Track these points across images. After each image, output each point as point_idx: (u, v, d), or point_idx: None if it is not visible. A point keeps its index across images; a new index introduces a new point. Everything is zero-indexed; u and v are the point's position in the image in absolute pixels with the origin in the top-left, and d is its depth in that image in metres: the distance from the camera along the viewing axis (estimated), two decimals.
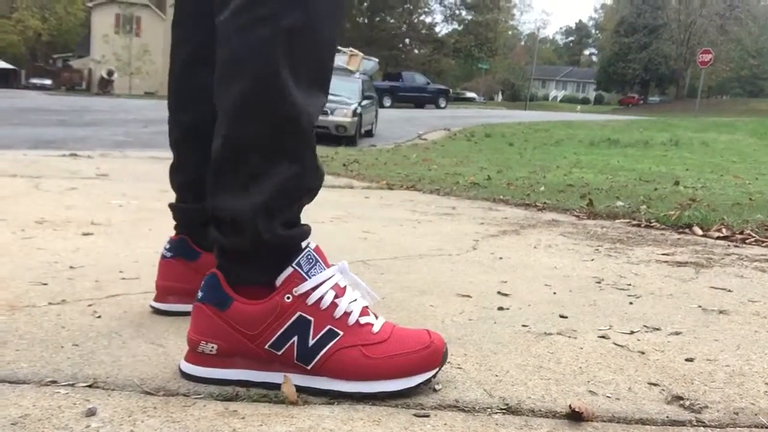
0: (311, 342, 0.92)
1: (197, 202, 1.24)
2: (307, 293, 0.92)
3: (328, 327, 0.93)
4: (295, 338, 0.92)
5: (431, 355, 0.94)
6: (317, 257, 0.95)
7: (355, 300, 0.96)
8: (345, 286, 0.96)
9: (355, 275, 1.00)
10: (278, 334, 0.92)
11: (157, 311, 1.27)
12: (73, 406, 0.84)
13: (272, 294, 0.92)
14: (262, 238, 0.91)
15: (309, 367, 0.92)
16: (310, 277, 0.93)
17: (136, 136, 9.60)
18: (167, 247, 1.28)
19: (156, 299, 1.28)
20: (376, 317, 0.98)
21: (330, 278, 0.95)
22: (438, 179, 4.94)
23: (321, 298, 0.93)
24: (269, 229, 0.91)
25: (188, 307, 1.05)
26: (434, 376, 0.95)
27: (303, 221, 0.99)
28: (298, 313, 0.92)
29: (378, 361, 0.92)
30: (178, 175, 1.28)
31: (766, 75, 55.88)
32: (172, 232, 1.31)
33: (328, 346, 0.92)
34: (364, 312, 0.96)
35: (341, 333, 0.93)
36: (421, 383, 0.93)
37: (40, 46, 48.66)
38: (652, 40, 48.99)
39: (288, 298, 0.92)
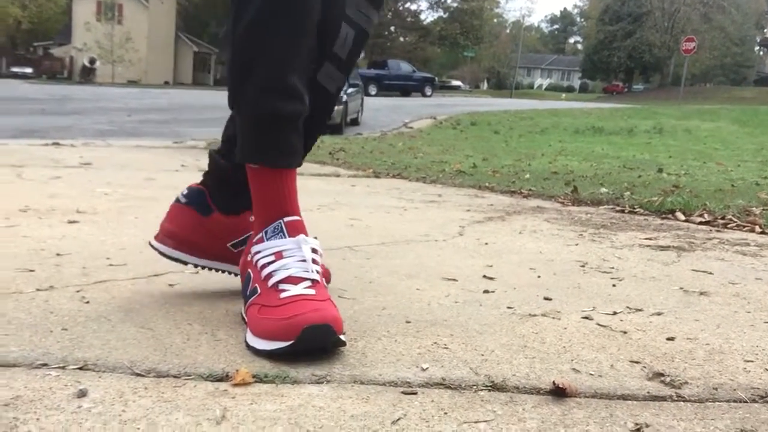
0: (248, 292, 1.11)
1: (231, 161, 1.27)
2: (255, 254, 1.11)
3: (255, 285, 1.10)
4: (248, 286, 1.12)
5: (286, 327, 0.98)
6: (284, 229, 1.10)
7: (288, 269, 1.06)
8: (284, 254, 1.08)
9: (306, 252, 1.08)
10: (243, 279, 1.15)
11: (153, 248, 1.31)
12: (65, 388, 0.85)
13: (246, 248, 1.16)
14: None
15: (244, 311, 1.12)
16: (266, 241, 1.10)
17: (119, 125, 9.52)
18: (184, 192, 1.30)
19: (156, 237, 1.31)
20: (312, 288, 1.04)
21: (277, 246, 1.08)
22: (424, 167, 4.95)
23: (260, 260, 1.10)
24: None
25: (181, 256, 1.28)
26: (293, 348, 0.96)
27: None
28: (248, 270, 1.13)
29: (261, 320, 1.03)
30: (230, 126, 1.30)
31: (749, 63, 56.33)
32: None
33: (250, 299, 1.09)
34: (292, 281, 1.05)
35: (259, 291, 1.08)
36: (279, 350, 0.97)
37: (20, 34, 47.96)
38: (636, 28, 49.19)
39: (249, 256, 1.13)
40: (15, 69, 40.60)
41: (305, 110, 1.13)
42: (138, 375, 0.90)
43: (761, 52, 59.31)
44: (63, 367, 0.91)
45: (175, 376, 0.91)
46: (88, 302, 1.22)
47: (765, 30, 54.66)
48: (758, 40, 57.36)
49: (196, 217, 1.28)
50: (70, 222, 2.03)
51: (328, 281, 1.37)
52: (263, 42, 1.08)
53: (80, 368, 0.91)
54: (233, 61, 1.11)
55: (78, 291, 1.29)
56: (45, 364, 0.92)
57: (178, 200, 1.31)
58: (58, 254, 1.60)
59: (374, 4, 1.25)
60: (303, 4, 1.09)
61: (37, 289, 1.29)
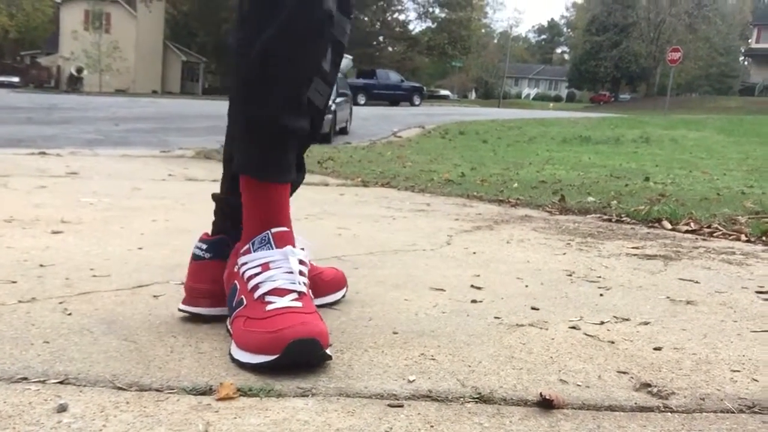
0: (233, 303, 1.10)
1: None
2: (241, 265, 1.10)
3: (242, 296, 1.08)
4: (233, 298, 1.10)
5: (272, 340, 0.97)
6: (272, 240, 1.08)
7: (275, 280, 1.05)
8: (271, 266, 1.07)
9: (293, 264, 1.07)
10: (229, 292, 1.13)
11: (186, 313, 1.21)
12: (45, 402, 0.83)
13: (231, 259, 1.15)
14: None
15: (229, 323, 1.11)
16: (252, 252, 1.09)
17: (106, 134, 9.46)
18: (203, 247, 1.23)
19: (184, 302, 1.22)
20: (299, 300, 1.03)
21: (264, 258, 1.07)
22: (413, 176, 4.95)
23: (247, 271, 1.08)
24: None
25: (223, 311, 1.18)
26: (279, 362, 0.95)
27: None
28: (234, 281, 1.11)
29: (246, 332, 1.02)
30: (232, 166, 1.23)
31: (734, 73, 56.90)
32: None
33: (236, 311, 1.08)
34: (278, 293, 1.04)
35: (245, 303, 1.07)
36: (264, 363, 0.96)
37: (7, 43, 47.71)
38: (623, 39, 49.64)
39: (236, 267, 1.12)
40: (1, 78, 40.23)
41: (309, 128, 1.15)
42: (120, 389, 0.89)
43: (746, 62, 59.96)
44: (43, 381, 0.90)
45: (157, 390, 0.89)
46: (70, 314, 1.21)
47: (749, 40, 55.24)
48: (743, 50, 58.02)
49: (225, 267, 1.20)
50: (55, 232, 2.01)
51: (344, 284, 1.39)
52: (292, 57, 1.06)
53: (61, 382, 0.90)
54: (249, 77, 1.08)
55: (60, 303, 1.28)
56: (25, 378, 0.90)
57: (199, 257, 1.23)
58: (41, 265, 1.58)
59: (345, 13, 1.23)
60: (325, 16, 1.07)
61: (19, 301, 1.27)
